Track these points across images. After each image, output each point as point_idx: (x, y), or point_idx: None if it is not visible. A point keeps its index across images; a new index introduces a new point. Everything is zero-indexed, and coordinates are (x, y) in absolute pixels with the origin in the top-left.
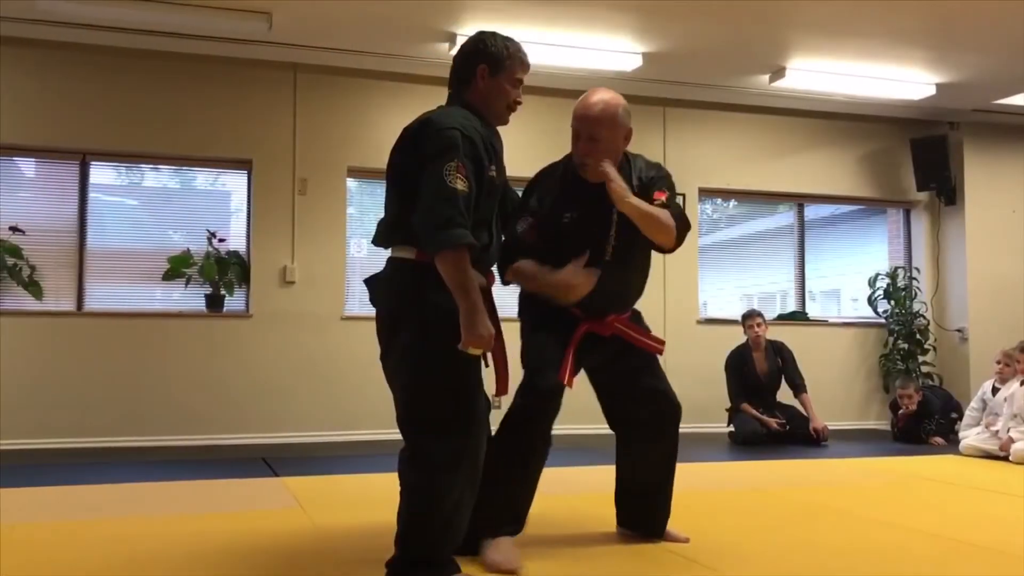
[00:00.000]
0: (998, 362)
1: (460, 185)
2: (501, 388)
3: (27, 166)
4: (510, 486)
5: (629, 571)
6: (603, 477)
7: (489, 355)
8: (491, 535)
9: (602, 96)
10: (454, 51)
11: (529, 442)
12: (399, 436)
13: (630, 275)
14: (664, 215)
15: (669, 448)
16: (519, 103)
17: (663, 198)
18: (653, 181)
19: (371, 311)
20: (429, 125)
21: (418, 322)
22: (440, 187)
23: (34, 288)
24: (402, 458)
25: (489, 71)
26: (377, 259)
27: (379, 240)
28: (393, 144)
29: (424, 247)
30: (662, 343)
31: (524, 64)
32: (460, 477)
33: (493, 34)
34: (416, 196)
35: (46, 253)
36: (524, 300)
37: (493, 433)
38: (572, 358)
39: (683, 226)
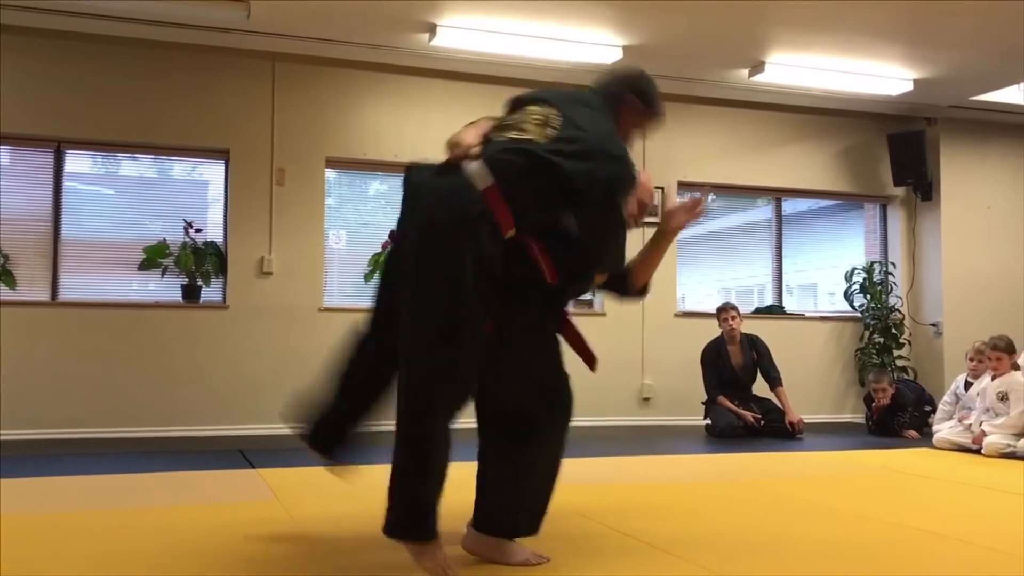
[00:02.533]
0: (970, 359)
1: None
2: (592, 366)
3: (1, 154)
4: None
5: (600, 562)
6: (586, 469)
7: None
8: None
9: None
10: (435, 41)
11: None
12: (375, 429)
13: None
14: None
15: (557, 449)
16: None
17: None
18: None
19: (347, 303)
20: (616, 157)
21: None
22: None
23: (7, 277)
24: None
25: (639, 102)
26: (355, 251)
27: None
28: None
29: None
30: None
31: (659, 119)
32: (447, 391)
33: (651, 79)
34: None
35: (20, 242)
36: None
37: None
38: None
39: None
